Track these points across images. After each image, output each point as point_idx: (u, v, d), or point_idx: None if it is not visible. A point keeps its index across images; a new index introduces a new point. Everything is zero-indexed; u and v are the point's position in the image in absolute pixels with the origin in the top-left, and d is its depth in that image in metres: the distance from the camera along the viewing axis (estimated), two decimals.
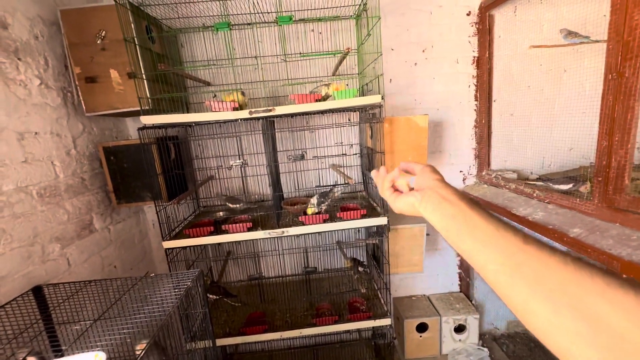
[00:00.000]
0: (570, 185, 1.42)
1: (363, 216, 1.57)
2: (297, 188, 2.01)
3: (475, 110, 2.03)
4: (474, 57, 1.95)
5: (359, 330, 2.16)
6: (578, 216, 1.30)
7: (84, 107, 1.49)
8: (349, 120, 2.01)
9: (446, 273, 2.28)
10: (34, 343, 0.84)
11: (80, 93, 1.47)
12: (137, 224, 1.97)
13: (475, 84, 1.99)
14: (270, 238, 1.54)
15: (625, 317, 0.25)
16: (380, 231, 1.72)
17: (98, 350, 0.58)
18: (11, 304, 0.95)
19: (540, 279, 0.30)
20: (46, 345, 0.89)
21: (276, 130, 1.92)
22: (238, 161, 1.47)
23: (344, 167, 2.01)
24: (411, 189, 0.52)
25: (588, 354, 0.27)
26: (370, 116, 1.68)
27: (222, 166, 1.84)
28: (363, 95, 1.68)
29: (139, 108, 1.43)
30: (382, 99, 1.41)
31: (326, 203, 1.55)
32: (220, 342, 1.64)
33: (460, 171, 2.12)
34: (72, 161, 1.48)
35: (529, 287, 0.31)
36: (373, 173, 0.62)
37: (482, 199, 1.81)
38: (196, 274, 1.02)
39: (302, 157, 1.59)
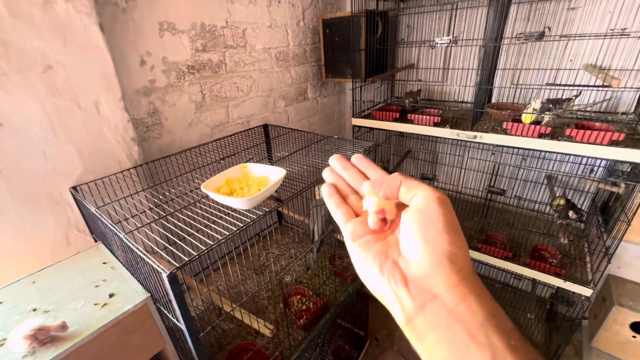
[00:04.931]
0: None
1: (613, 143, 1.04)
2: (513, 86, 1.52)
3: None
4: None
5: (533, 282, 1.78)
6: None
7: None
8: None
9: None
10: (258, 155, 1.20)
11: None
12: (338, 102, 2.20)
13: None
14: (457, 140, 1.33)
15: None
16: (636, 174, 1.11)
17: (283, 168, 0.74)
18: (252, 130, 1.36)
19: None
20: (264, 158, 1.25)
21: (512, 3, 1.40)
22: (445, 38, 1.19)
23: (611, 69, 1.30)
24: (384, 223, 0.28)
25: None
26: None
27: (425, 44, 1.59)
28: None
29: None
30: None
31: (555, 112, 1.10)
32: None
33: None
34: (299, 32, 1.70)
35: None
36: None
37: None
38: (370, 145, 1.04)
39: (541, 37, 1.07)
